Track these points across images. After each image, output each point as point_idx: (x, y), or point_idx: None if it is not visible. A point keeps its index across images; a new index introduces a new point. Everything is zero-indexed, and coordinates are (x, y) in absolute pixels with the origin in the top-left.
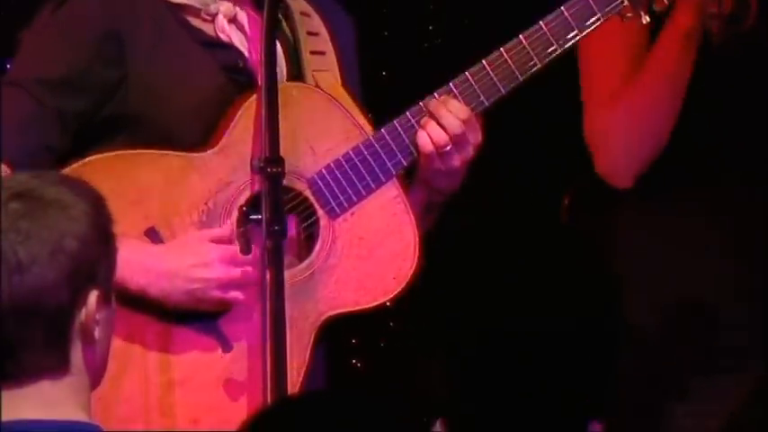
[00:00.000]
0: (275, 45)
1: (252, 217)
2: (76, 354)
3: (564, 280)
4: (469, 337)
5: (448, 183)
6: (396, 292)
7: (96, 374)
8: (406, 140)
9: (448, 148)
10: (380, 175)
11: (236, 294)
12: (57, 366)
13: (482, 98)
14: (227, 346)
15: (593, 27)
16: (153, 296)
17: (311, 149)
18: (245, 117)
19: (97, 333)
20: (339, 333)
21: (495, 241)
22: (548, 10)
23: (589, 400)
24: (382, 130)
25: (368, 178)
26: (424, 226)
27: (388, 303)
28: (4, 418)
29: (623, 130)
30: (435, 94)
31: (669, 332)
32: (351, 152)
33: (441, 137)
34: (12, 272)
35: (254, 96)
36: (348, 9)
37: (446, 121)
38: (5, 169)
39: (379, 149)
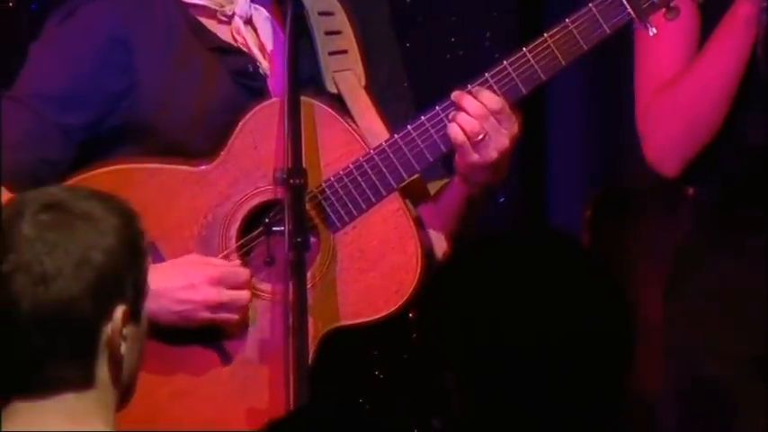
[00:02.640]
0: (297, 55)
1: (275, 228)
2: (102, 368)
3: (583, 291)
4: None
5: (488, 176)
6: (398, 305)
7: (125, 391)
8: (408, 155)
9: (480, 137)
10: (381, 188)
11: (226, 315)
12: (81, 380)
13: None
14: (226, 360)
15: (599, 40)
16: None
17: (311, 164)
18: (245, 130)
19: (123, 349)
20: (361, 344)
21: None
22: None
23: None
24: (383, 143)
25: (368, 192)
26: (467, 221)
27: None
28: (29, 430)
29: (673, 117)
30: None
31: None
32: (351, 166)
33: (472, 126)
34: (37, 282)
35: (257, 108)
36: None
37: (474, 110)
38: (1, 188)
39: (379, 163)
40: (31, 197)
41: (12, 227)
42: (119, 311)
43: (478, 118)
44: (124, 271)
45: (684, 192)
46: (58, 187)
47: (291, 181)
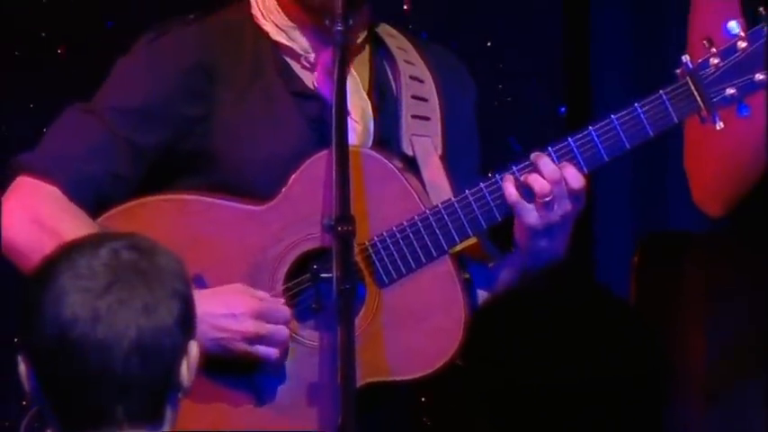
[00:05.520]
0: (346, 102)
1: (323, 276)
2: (169, 405)
3: (621, 341)
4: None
5: (546, 245)
6: (436, 368)
7: None
8: (462, 219)
9: (547, 199)
10: (433, 250)
11: (264, 349)
12: (152, 416)
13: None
14: (259, 400)
15: (665, 128)
16: None
17: (366, 216)
18: (304, 176)
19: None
20: (409, 390)
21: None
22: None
23: None
24: (439, 206)
25: (419, 252)
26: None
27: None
28: None
29: (718, 157)
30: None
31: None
32: (406, 224)
33: (542, 186)
34: (139, 313)
35: (317, 155)
36: None
37: (548, 173)
38: (61, 196)
39: (433, 224)
40: (107, 238)
41: (97, 262)
42: (194, 346)
43: (552, 182)
44: (193, 304)
45: (729, 235)
46: (105, 233)
47: (339, 228)
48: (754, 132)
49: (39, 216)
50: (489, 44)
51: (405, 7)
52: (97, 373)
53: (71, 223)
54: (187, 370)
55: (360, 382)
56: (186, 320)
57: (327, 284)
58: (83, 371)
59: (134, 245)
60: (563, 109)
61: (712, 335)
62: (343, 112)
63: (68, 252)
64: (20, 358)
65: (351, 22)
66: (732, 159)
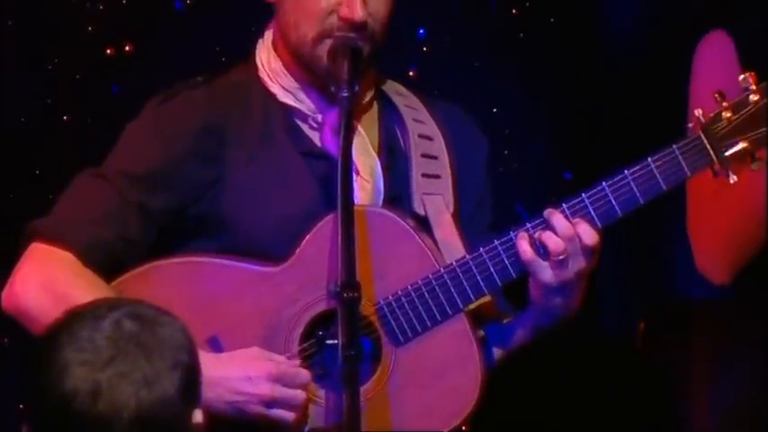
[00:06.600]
0: (351, 167)
1: (328, 342)
2: None
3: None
4: None
5: (560, 302)
6: (453, 426)
7: None
8: (477, 276)
9: (561, 257)
10: (448, 308)
11: (280, 412)
12: None
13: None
14: None
15: (678, 182)
16: None
17: (381, 275)
18: (317, 236)
19: None
20: None
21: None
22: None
23: None
24: (453, 263)
25: (435, 310)
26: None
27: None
28: None
29: (722, 225)
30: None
31: None
32: (420, 283)
33: (556, 245)
34: (139, 386)
35: (330, 216)
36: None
37: (562, 230)
38: (75, 261)
39: (448, 282)
40: (110, 307)
41: (99, 335)
42: (198, 415)
43: (566, 240)
44: (199, 372)
45: (737, 303)
46: (113, 300)
47: (345, 294)
48: (761, 198)
49: (52, 282)
50: (495, 110)
51: (410, 73)
52: None
53: (85, 290)
54: None
55: None
56: (189, 390)
57: (333, 350)
58: None
59: (137, 314)
60: (568, 174)
61: (715, 400)
62: (348, 179)
63: (70, 323)
64: (24, 427)
65: (356, 88)
66: (739, 226)
